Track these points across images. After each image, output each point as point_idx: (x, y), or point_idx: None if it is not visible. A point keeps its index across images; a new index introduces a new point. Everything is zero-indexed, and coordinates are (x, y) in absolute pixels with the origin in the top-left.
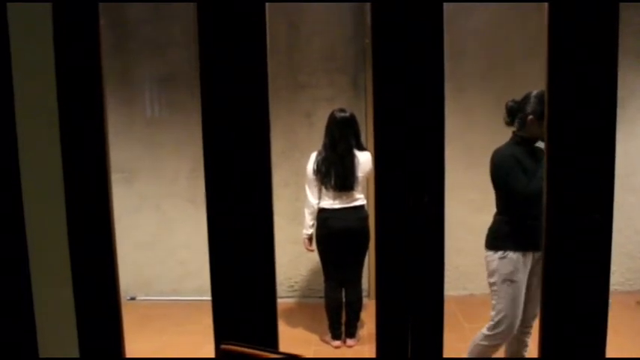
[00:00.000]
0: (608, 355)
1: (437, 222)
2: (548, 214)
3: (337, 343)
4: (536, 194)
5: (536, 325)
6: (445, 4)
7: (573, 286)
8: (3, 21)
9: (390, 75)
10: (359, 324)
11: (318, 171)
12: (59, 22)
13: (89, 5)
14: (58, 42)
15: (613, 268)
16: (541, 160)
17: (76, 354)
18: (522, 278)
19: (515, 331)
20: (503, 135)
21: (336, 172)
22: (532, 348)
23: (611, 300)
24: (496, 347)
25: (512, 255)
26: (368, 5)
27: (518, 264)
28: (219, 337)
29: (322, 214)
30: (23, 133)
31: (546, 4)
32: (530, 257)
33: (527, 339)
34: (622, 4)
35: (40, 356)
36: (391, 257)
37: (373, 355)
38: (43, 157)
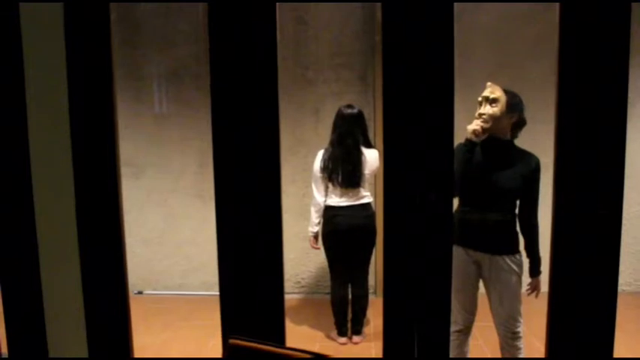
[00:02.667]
0: (616, 355)
1: (445, 220)
2: (556, 212)
3: (343, 339)
4: (468, 184)
5: (542, 324)
6: (455, 2)
7: (580, 285)
8: (16, 20)
9: (400, 73)
10: (365, 321)
11: (324, 168)
12: (70, 21)
13: (100, 4)
14: (69, 40)
15: (621, 268)
16: (503, 158)
17: (84, 354)
18: (462, 272)
19: (463, 323)
20: None
21: (342, 169)
22: (538, 346)
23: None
24: (457, 339)
25: (455, 247)
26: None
27: (457, 257)
28: (226, 332)
29: (329, 212)
30: (34, 129)
31: (557, 4)
32: (474, 254)
33: (516, 342)
34: (634, 3)
35: (50, 356)
36: (399, 255)
37: (379, 353)
38: (53, 152)
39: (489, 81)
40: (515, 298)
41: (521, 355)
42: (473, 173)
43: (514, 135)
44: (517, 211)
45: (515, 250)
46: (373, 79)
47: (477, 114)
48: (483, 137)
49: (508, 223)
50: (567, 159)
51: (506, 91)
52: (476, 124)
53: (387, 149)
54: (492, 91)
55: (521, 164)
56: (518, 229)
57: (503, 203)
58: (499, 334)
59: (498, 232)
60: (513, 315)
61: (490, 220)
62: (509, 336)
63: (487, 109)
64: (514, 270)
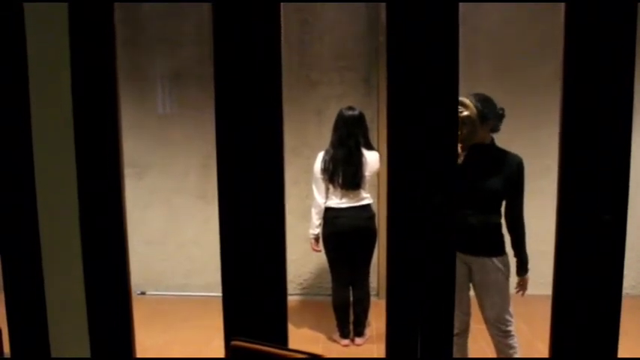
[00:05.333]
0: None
1: (448, 222)
2: (560, 215)
3: (345, 341)
4: (464, 192)
5: (545, 327)
6: (460, 4)
7: (584, 288)
8: (20, 20)
9: (404, 74)
10: (367, 323)
11: (325, 170)
12: (75, 21)
13: (104, 5)
14: (73, 40)
15: (625, 271)
16: (485, 162)
17: (87, 354)
18: (459, 275)
19: (460, 326)
20: (513, 135)
21: (343, 171)
22: (540, 348)
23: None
24: (455, 343)
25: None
26: (382, 3)
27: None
28: (229, 334)
29: (329, 213)
30: (38, 129)
31: (562, 4)
32: (463, 257)
33: (509, 341)
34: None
35: (52, 356)
36: (402, 257)
37: (382, 354)
38: (57, 153)
39: (493, 84)
40: (504, 298)
41: (516, 354)
42: (460, 179)
43: (495, 130)
44: (503, 211)
45: (502, 252)
46: (377, 81)
47: None
48: (464, 154)
49: (495, 225)
50: (572, 162)
51: (476, 98)
52: None
53: (391, 151)
54: (461, 110)
55: (504, 166)
56: (503, 230)
57: (489, 206)
58: (492, 336)
59: (486, 234)
60: (503, 314)
61: (478, 223)
62: (501, 335)
63: (460, 129)
64: (502, 270)
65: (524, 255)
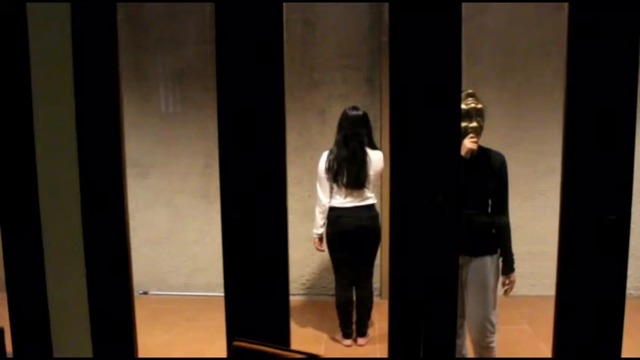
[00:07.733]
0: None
1: (451, 222)
2: (563, 215)
3: (348, 342)
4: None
5: (548, 327)
6: (463, 4)
7: (587, 289)
8: (23, 20)
9: (406, 74)
10: (369, 323)
11: (329, 169)
12: (78, 21)
13: (107, 5)
14: (76, 40)
15: (628, 272)
16: (477, 160)
17: (89, 354)
18: (461, 275)
19: (461, 323)
20: (516, 135)
21: (347, 171)
22: (543, 349)
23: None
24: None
25: None
26: (385, 2)
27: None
28: (231, 334)
29: (333, 213)
30: (41, 129)
31: (566, 4)
32: (461, 258)
33: (488, 341)
34: None
35: (55, 356)
36: (404, 257)
37: (385, 355)
38: (59, 153)
39: (496, 83)
40: (494, 298)
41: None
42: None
43: None
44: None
45: (496, 250)
46: (380, 81)
47: (468, 128)
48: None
49: (491, 223)
50: (575, 162)
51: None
52: (472, 143)
53: (393, 151)
54: (476, 101)
55: (493, 165)
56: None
57: (482, 204)
58: (475, 340)
59: (484, 233)
60: (490, 316)
61: (477, 223)
62: (482, 345)
63: (479, 122)
64: (493, 270)
65: (511, 253)
